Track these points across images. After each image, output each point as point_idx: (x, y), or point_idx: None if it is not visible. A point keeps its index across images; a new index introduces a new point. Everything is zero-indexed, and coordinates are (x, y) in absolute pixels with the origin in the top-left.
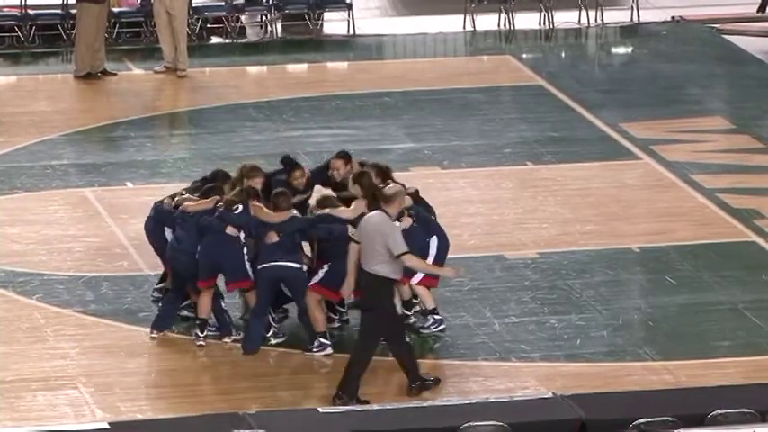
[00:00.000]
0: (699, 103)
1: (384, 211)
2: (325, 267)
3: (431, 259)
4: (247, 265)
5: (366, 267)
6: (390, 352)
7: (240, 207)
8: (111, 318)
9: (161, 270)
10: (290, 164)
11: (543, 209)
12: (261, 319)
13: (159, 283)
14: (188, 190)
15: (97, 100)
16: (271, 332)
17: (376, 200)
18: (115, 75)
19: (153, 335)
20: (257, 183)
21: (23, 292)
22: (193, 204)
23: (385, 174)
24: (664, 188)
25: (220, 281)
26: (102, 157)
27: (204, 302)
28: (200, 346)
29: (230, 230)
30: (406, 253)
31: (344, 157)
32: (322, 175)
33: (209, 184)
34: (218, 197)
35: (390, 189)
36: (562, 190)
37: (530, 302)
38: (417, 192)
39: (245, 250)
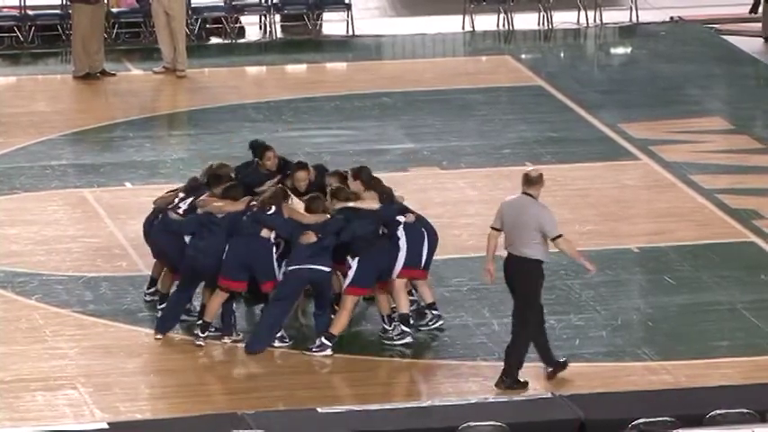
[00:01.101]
0: (698, 103)
1: (528, 194)
2: (354, 266)
3: (424, 251)
4: (275, 264)
5: (515, 251)
6: (512, 334)
7: (273, 208)
8: (111, 318)
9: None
10: (258, 147)
11: None
12: (279, 322)
13: (149, 287)
14: (184, 189)
15: (96, 100)
16: (278, 335)
17: (377, 188)
18: (114, 75)
19: (158, 336)
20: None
21: (22, 292)
22: (224, 206)
23: (344, 178)
24: (663, 188)
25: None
26: (101, 157)
27: (214, 305)
28: (199, 346)
29: (264, 232)
30: (561, 236)
31: (305, 167)
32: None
33: (229, 184)
34: (249, 197)
35: (534, 172)
36: (561, 190)
37: None
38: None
39: (274, 249)
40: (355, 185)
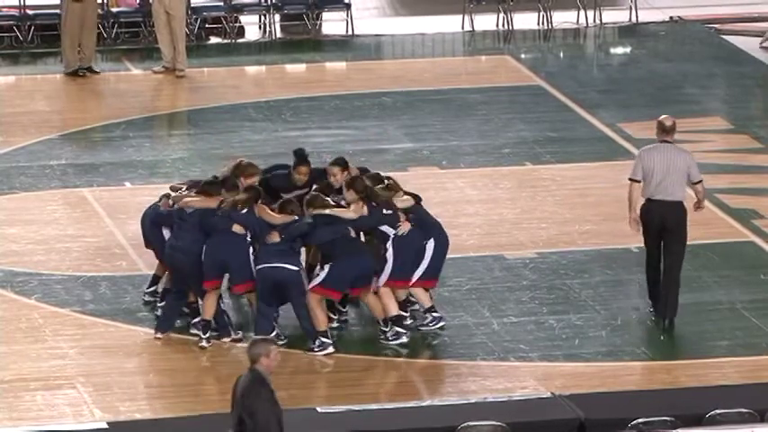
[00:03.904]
0: (697, 103)
1: (667, 141)
2: (326, 269)
3: (426, 262)
4: (252, 265)
5: (668, 197)
6: (669, 271)
7: (245, 209)
8: (110, 318)
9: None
10: (300, 157)
11: (542, 209)
12: (267, 319)
13: (150, 286)
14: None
15: (95, 100)
16: (273, 335)
17: (371, 197)
18: (97, 73)
19: (158, 336)
20: (254, 180)
21: (22, 291)
22: (195, 201)
23: (379, 181)
24: None
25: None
26: (100, 157)
27: (209, 304)
28: (203, 347)
29: (237, 228)
30: (701, 181)
31: (342, 164)
32: (318, 177)
33: (208, 180)
34: (221, 197)
35: (668, 119)
36: (561, 190)
37: (528, 302)
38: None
39: (250, 250)
40: (349, 195)
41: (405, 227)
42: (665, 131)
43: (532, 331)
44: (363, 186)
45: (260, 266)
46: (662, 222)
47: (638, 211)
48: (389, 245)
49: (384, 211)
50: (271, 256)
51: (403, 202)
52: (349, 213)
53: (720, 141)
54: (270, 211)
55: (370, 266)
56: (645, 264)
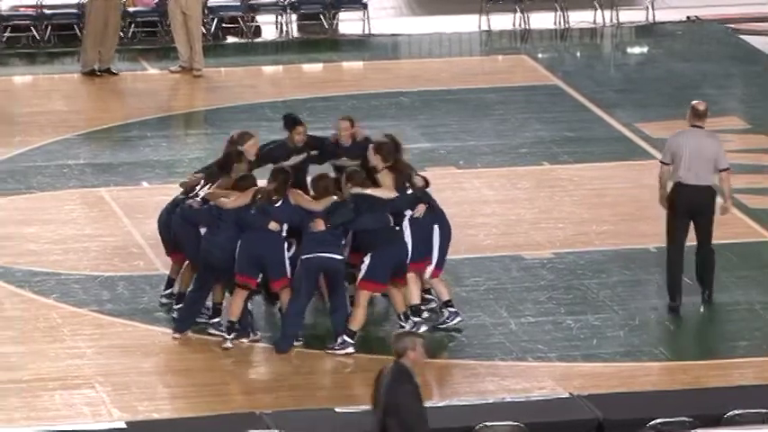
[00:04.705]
0: (714, 102)
1: (698, 126)
2: (367, 260)
3: (435, 247)
4: (287, 261)
5: (699, 181)
6: (706, 253)
7: (281, 202)
8: (128, 317)
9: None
10: (293, 119)
11: (559, 209)
12: (299, 317)
13: (165, 288)
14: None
15: (113, 99)
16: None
17: (398, 169)
18: (116, 75)
19: (176, 336)
20: (252, 147)
21: (40, 291)
22: (231, 201)
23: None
24: None
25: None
26: (117, 156)
27: (236, 303)
28: (227, 348)
29: (272, 225)
30: (728, 169)
31: (350, 119)
32: (315, 144)
33: (243, 174)
34: (255, 189)
35: (701, 104)
36: (578, 190)
37: (546, 302)
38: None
39: (285, 245)
40: (375, 159)
41: (421, 209)
42: (698, 116)
43: (550, 331)
44: (390, 152)
45: (306, 256)
46: (690, 207)
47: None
48: (406, 226)
49: (407, 192)
50: (317, 245)
51: (418, 180)
52: (388, 193)
53: (738, 141)
54: (306, 197)
55: (406, 255)
56: (667, 246)
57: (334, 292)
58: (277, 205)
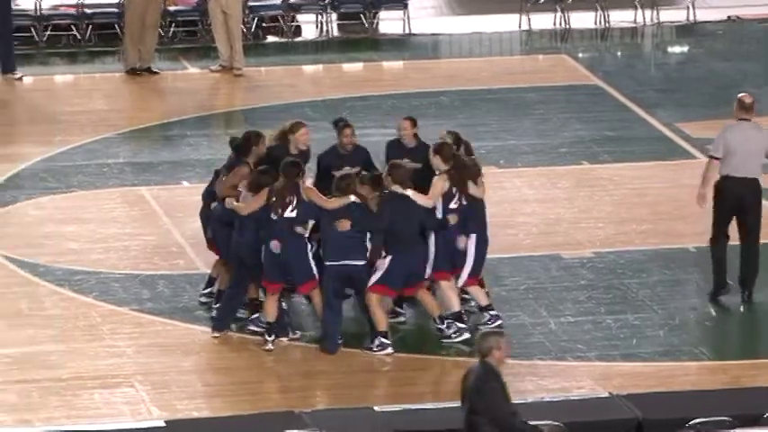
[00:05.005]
0: (756, 102)
1: (747, 119)
2: (386, 263)
3: (470, 256)
4: (312, 262)
5: (749, 174)
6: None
7: (294, 199)
8: (167, 316)
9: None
10: (342, 122)
11: (599, 208)
12: (338, 317)
13: (205, 288)
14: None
15: (153, 98)
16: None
17: (459, 171)
18: (157, 74)
19: (215, 335)
20: (303, 136)
21: (80, 290)
22: (245, 207)
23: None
24: None
25: None
26: (158, 155)
27: (271, 306)
28: (269, 350)
29: (299, 230)
30: None
31: (411, 119)
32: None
33: (261, 168)
34: (268, 188)
35: (747, 97)
36: (618, 189)
37: (586, 302)
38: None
39: (308, 247)
40: (436, 160)
41: (452, 219)
42: (745, 109)
43: (590, 331)
44: (450, 153)
45: (329, 263)
46: (738, 199)
47: (709, 189)
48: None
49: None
50: (337, 251)
51: (477, 190)
52: (425, 200)
53: None
54: (318, 193)
55: (424, 266)
56: (710, 240)
57: (360, 293)
58: (292, 206)
